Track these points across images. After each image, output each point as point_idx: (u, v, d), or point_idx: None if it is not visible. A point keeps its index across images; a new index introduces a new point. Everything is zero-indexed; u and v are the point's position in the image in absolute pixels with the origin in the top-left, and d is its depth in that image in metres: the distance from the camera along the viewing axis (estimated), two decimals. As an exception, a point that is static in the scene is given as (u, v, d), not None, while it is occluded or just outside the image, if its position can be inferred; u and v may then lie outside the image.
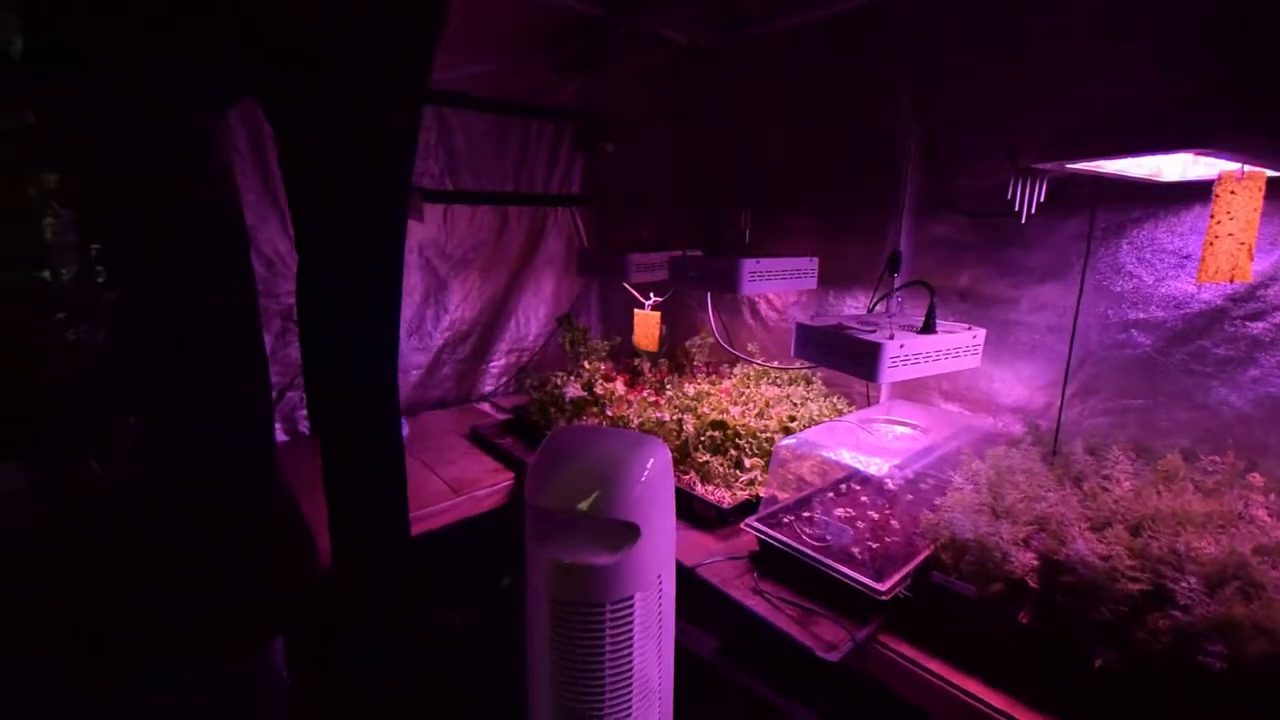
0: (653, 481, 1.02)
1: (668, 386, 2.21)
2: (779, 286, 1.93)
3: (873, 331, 1.45)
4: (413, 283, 2.65)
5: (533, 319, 3.02)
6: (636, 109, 2.77)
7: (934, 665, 1.20)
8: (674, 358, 2.50)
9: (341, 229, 1.34)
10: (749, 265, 1.76)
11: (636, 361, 2.48)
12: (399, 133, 1.33)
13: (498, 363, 2.94)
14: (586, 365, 2.32)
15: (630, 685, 1.02)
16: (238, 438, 1.79)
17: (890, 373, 1.40)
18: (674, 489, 1.13)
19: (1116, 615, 1.05)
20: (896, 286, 1.72)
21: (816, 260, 1.97)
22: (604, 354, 2.48)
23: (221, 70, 1.47)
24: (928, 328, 1.49)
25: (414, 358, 2.72)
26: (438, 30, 1.29)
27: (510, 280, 2.91)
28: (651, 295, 2.52)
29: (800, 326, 1.54)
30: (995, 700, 1.12)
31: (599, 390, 2.21)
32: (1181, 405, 1.48)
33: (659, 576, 1.10)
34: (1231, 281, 1.11)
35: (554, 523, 1.04)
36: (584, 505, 0.97)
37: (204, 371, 1.73)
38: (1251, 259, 1.08)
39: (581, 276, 2.99)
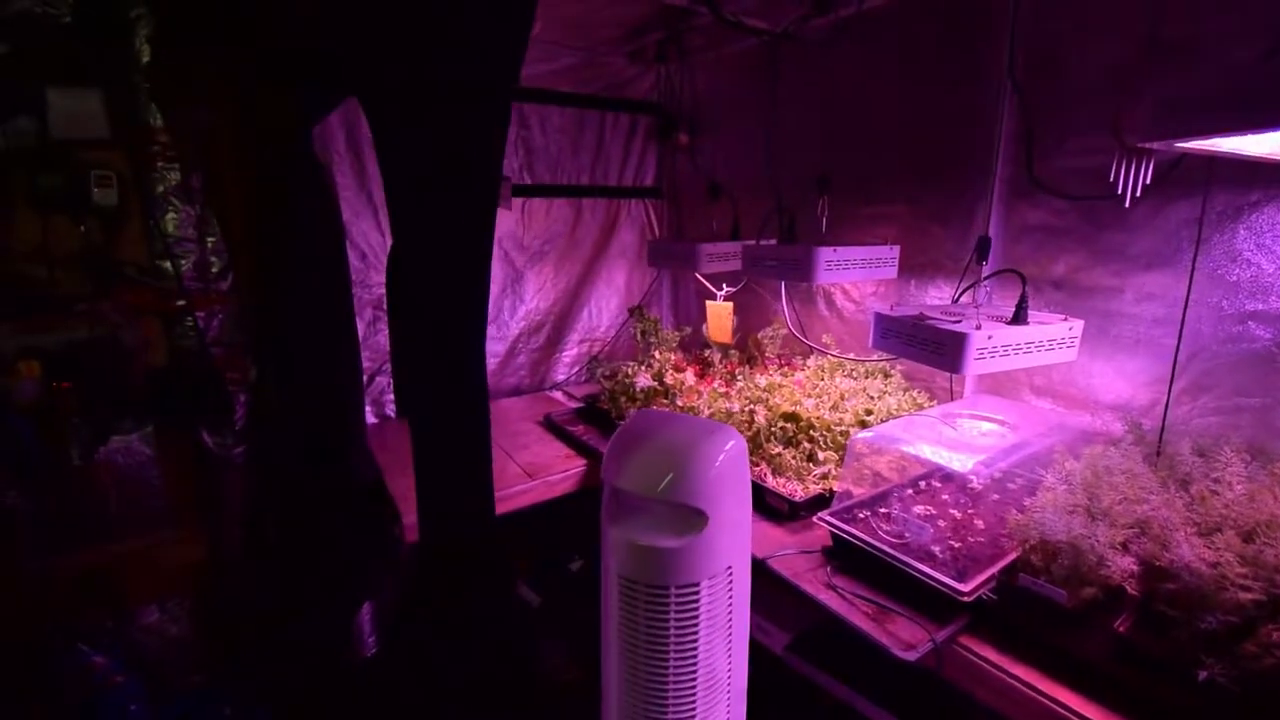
0: (724, 471, 1.02)
1: (739, 378, 2.20)
2: (856, 276, 1.88)
3: (957, 321, 1.40)
4: (491, 274, 2.75)
5: (605, 310, 3.08)
6: (715, 99, 2.76)
7: (1020, 671, 1.15)
8: (745, 349, 2.48)
9: (434, 221, 1.41)
10: (825, 254, 1.73)
11: (707, 353, 2.49)
12: (489, 128, 1.38)
13: (570, 352, 3.02)
14: (657, 355, 2.34)
15: (694, 673, 1.03)
16: (332, 419, 1.93)
17: (977, 365, 1.35)
18: (749, 481, 1.13)
19: (1225, 626, 0.98)
20: (985, 275, 1.65)
21: (898, 249, 1.91)
22: (674, 345, 2.50)
23: (320, 83, 1.59)
24: (1019, 318, 1.42)
25: (491, 346, 2.82)
26: (526, 29, 1.33)
27: (584, 271, 2.97)
28: (724, 286, 2.51)
29: (879, 316, 1.50)
30: (1088, 711, 1.06)
31: (669, 380, 2.23)
32: (1309, 406, 1.35)
33: (729, 567, 1.08)
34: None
35: (627, 502, 1.07)
36: (654, 488, 0.98)
37: (304, 358, 1.87)
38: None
39: (652, 267, 3.01)
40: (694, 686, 1.07)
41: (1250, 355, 1.43)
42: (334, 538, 1.88)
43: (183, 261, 2.04)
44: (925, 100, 1.98)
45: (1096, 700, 1.07)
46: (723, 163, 2.71)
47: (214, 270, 2.09)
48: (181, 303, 2.05)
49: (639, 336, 2.55)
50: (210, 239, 2.06)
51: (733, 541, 1.10)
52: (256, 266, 1.93)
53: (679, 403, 2.12)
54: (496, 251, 2.75)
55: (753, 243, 2.03)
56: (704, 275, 2.58)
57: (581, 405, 2.52)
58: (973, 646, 1.21)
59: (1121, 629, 1.11)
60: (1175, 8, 1.39)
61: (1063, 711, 1.08)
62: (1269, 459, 1.27)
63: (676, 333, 2.52)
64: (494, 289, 2.78)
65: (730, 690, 1.14)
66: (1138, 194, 1.29)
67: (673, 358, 2.37)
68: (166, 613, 2.00)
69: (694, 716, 1.08)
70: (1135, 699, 1.05)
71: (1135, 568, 1.14)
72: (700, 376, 2.32)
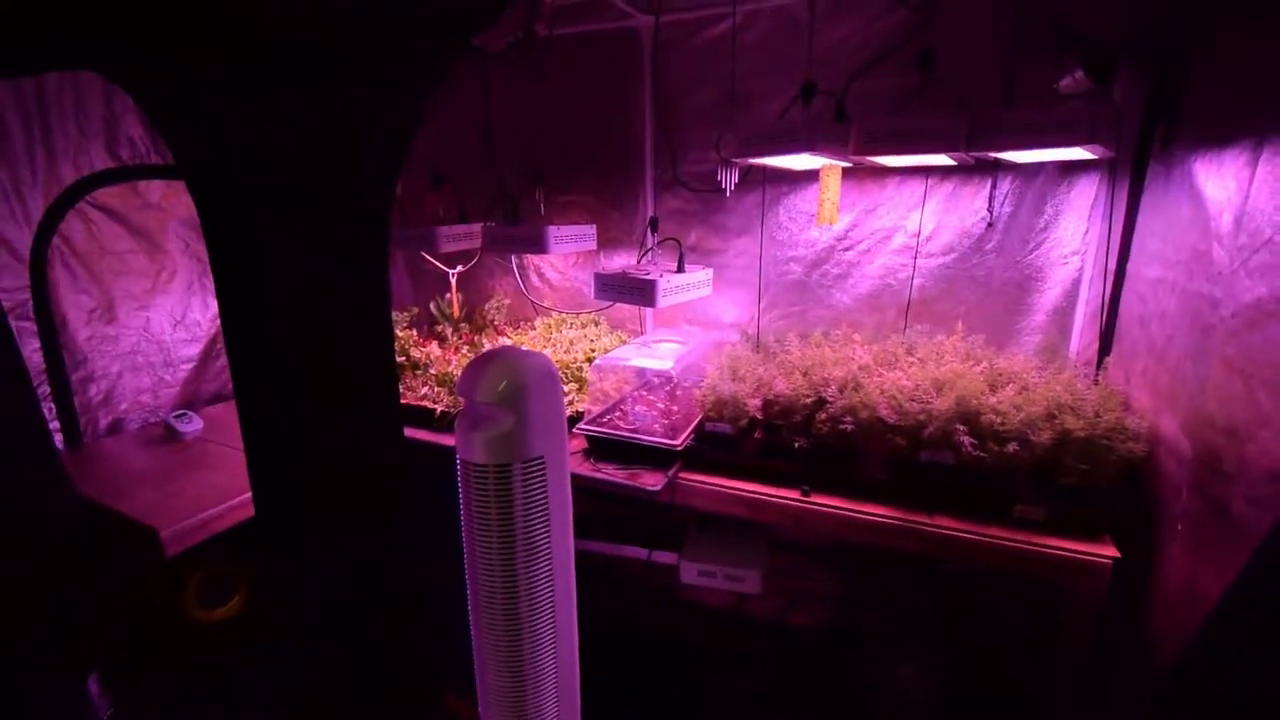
0: (531, 381, 1.26)
1: (484, 343, 2.58)
2: (572, 247, 2.46)
3: (648, 274, 2.09)
4: (174, 268, 2.51)
5: (310, 301, 3.02)
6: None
7: (714, 480, 1.89)
8: (473, 321, 2.85)
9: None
10: (553, 230, 2.26)
11: (439, 328, 2.77)
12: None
13: (281, 347, 2.90)
14: (399, 334, 2.54)
15: (513, 544, 1.21)
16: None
17: (663, 300, 2.05)
18: (560, 391, 1.36)
19: (803, 418, 1.86)
20: (656, 242, 2.39)
21: (594, 227, 2.55)
22: (406, 324, 2.71)
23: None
24: (680, 269, 2.17)
25: (182, 350, 2.58)
26: None
27: (284, 263, 2.88)
28: (459, 266, 2.81)
29: (599, 275, 2.10)
30: (749, 487, 1.85)
31: (415, 355, 2.47)
32: (819, 307, 2.45)
33: (541, 456, 1.28)
34: (831, 225, 2.00)
35: (472, 410, 1.36)
36: (483, 396, 1.31)
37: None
38: (838, 213, 1.97)
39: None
40: (514, 565, 1.22)
41: (792, 283, 2.47)
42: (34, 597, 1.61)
43: None
44: (606, 116, 2.61)
45: (754, 480, 1.87)
46: (438, 152, 2.94)
47: None
48: None
49: (368, 320, 2.68)
50: None
51: (546, 437, 1.33)
52: None
53: (432, 372, 2.40)
54: (177, 244, 2.52)
55: (493, 224, 2.43)
56: (438, 256, 2.81)
57: (317, 394, 2.55)
58: (688, 476, 1.92)
59: (758, 436, 1.94)
60: (741, 73, 2.29)
61: (739, 493, 1.84)
62: (806, 337, 2.28)
63: (406, 313, 2.74)
64: (180, 286, 2.54)
65: (553, 567, 1.33)
66: (732, 189, 2.14)
67: (412, 335, 2.60)
68: None
69: (516, 588, 1.24)
70: (770, 473, 1.87)
71: (760, 403, 1.98)
72: (442, 349, 2.62)
